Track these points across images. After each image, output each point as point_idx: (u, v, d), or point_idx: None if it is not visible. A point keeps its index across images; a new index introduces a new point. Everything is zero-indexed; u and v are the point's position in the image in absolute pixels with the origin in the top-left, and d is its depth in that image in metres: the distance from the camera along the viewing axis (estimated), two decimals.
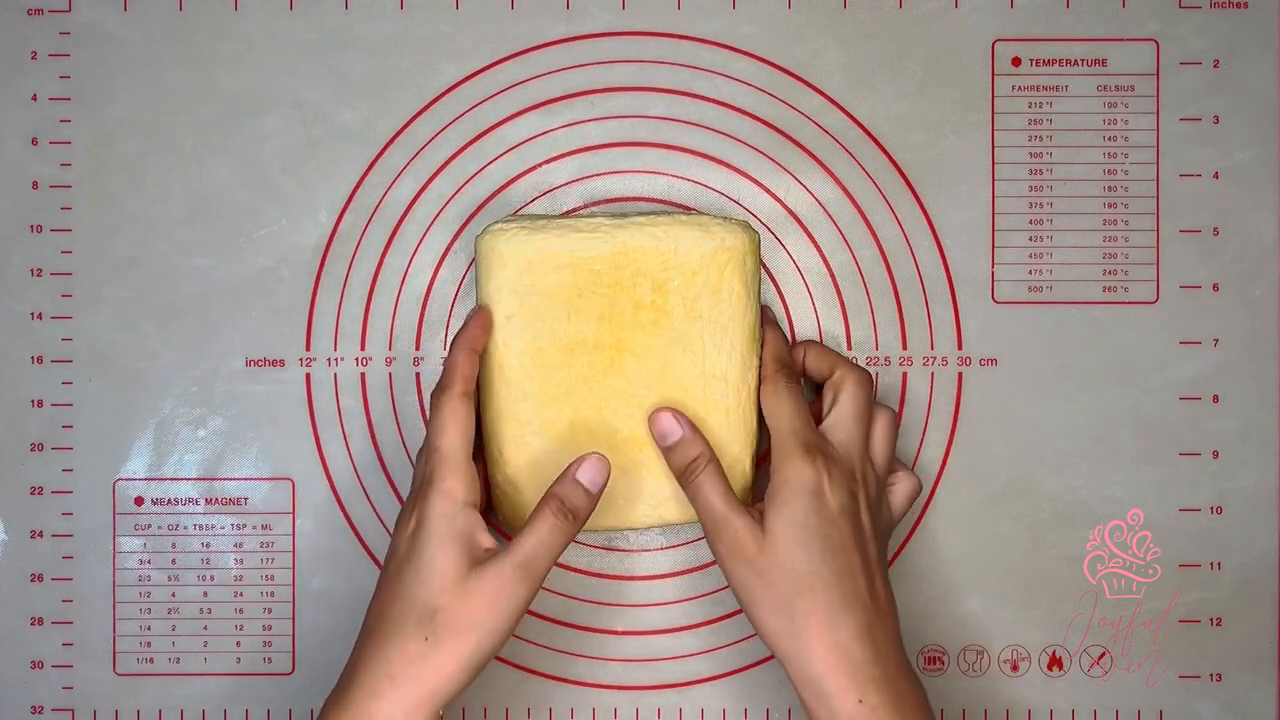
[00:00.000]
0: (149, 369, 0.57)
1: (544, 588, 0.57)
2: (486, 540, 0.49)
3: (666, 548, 0.57)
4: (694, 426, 0.51)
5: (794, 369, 0.53)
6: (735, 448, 0.52)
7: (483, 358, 0.52)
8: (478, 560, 0.48)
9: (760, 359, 0.53)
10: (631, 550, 0.57)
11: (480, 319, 0.51)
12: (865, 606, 0.48)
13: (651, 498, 0.53)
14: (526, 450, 0.52)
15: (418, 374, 0.57)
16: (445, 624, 0.47)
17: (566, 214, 0.57)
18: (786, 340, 0.54)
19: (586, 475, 0.50)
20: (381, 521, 0.57)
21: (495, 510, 0.54)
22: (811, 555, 0.48)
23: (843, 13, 0.57)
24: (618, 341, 0.51)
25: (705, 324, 0.51)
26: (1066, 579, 0.57)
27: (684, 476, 0.51)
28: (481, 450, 0.53)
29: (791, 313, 0.57)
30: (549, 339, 0.51)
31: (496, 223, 0.52)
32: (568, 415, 0.52)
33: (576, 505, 0.49)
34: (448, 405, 0.50)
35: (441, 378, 0.51)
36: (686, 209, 0.57)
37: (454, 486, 0.49)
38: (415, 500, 0.49)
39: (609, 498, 0.52)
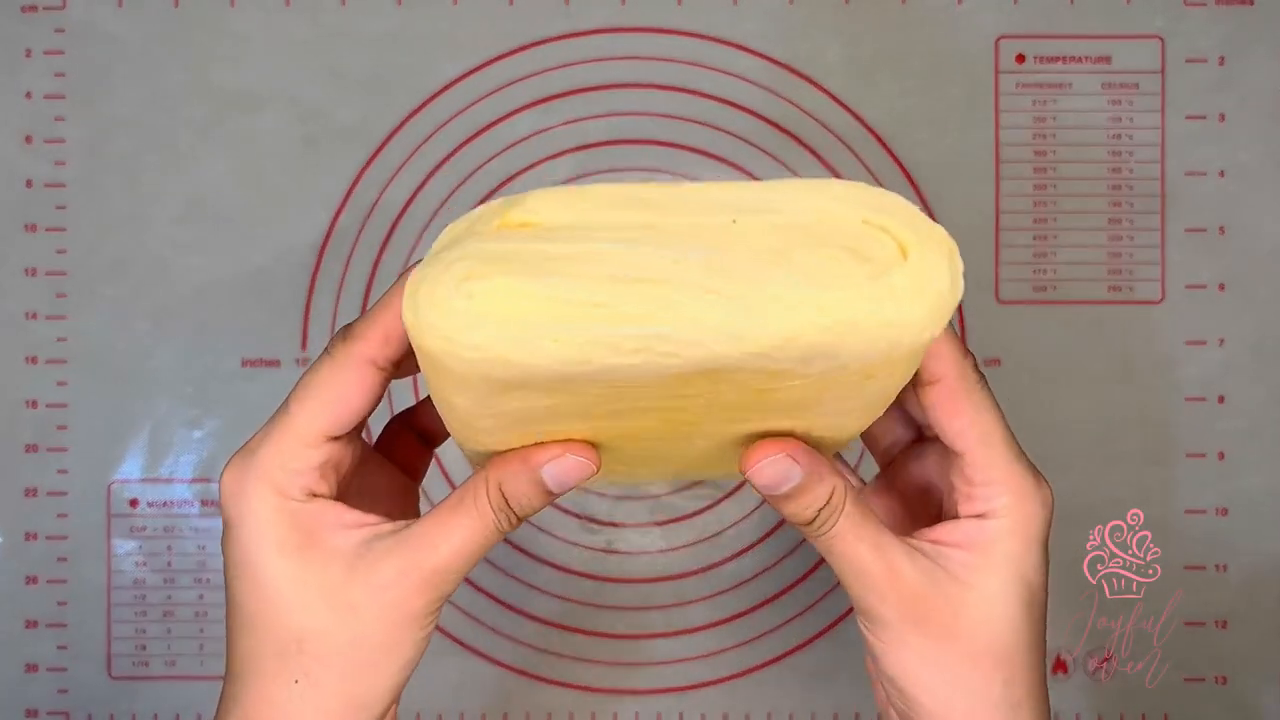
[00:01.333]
0: (144, 369, 0.57)
1: (541, 589, 0.57)
2: (350, 519, 0.33)
3: (666, 550, 0.57)
4: (813, 454, 0.33)
5: None
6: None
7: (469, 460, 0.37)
8: (347, 556, 0.33)
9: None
10: (631, 552, 0.57)
11: None
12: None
13: (728, 472, 0.38)
14: None
15: (414, 376, 0.57)
16: (319, 658, 0.33)
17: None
18: None
19: (553, 475, 0.33)
20: None
21: None
22: (1034, 627, 0.36)
23: (845, 9, 0.57)
24: (675, 425, 0.33)
25: (824, 408, 0.32)
26: (1067, 579, 0.56)
27: (813, 529, 0.34)
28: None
29: None
30: (558, 430, 0.33)
31: (427, 282, 0.28)
32: (612, 458, 0.35)
33: (525, 506, 0.33)
34: (328, 362, 0.34)
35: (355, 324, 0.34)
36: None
37: (279, 474, 0.33)
38: (220, 489, 0.35)
39: (674, 476, 0.39)
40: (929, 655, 0.35)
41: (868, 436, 0.41)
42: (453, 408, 0.32)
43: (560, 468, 0.33)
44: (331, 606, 0.33)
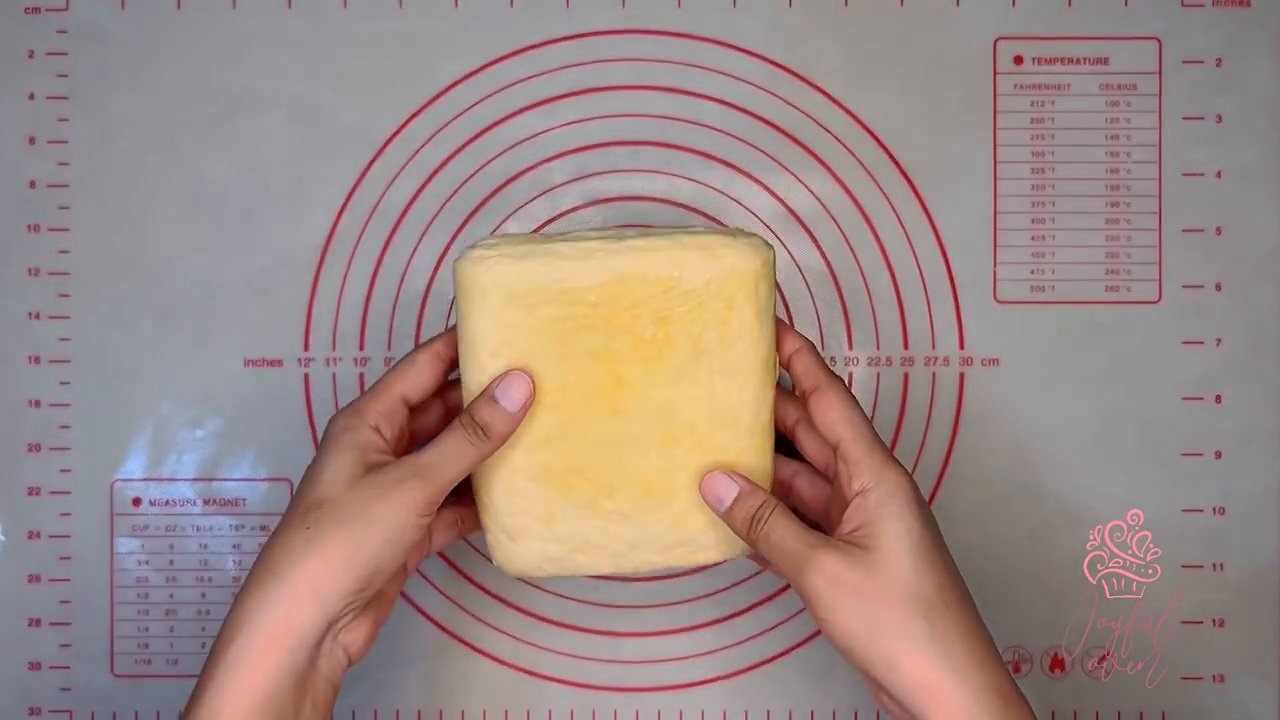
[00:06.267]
0: (146, 369, 0.57)
1: (543, 589, 0.57)
2: (387, 457, 0.46)
3: None
4: (749, 480, 0.47)
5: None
6: None
7: (465, 398, 0.48)
8: (370, 465, 0.45)
9: (789, 372, 0.48)
10: None
11: None
12: (983, 622, 0.45)
13: (657, 544, 0.48)
14: (521, 499, 0.48)
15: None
16: (329, 513, 0.44)
17: (556, 220, 0.57)
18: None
19: (503, 392, 0.46)
20: None
21: (492, 560, 0.50)
22: (936, 569, 0.44)
23: (844, 11, 0.57)
24: (616, 379, 0.46)
25: (713, 358, 0.46)
26: (1067, 579, 0.57)
27: (752, 530, 0.46)
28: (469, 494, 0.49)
29: (793, 312, 0.57)
30: (539, 378, 0.46)
31: (475, 247, 0.46)
32: (563, 460, 0.47)
33: (487, 421, 0.46)
34: (410, 354, 0.48)
35: None
36: (698, 218, 0.57)
37: (364, 406, 0.46)
38: (328, 425, 0.47)
39: (609, 549, 0.48)
40: (859, 612, 0.43)
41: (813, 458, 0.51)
42: (471, 336, 0.47)
43: (506, 383, 0.46)
44: (348, 488, 0.45)
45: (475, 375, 0.47)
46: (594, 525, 0.48)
